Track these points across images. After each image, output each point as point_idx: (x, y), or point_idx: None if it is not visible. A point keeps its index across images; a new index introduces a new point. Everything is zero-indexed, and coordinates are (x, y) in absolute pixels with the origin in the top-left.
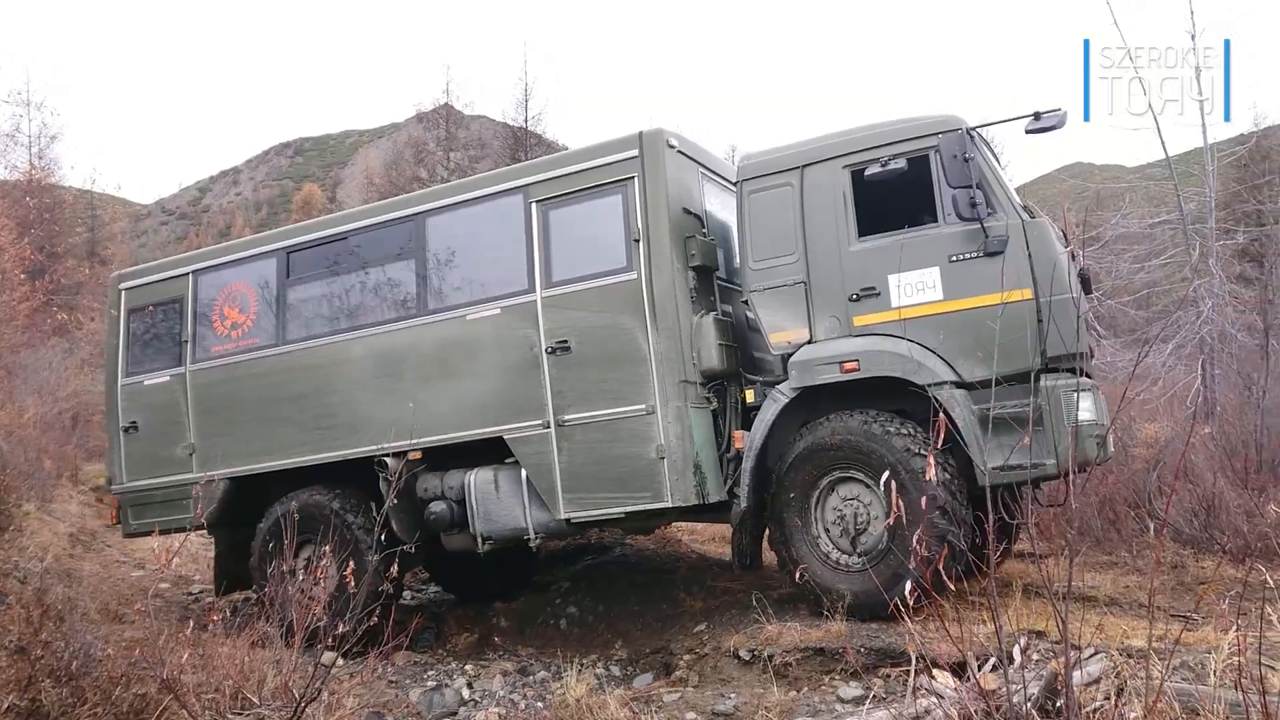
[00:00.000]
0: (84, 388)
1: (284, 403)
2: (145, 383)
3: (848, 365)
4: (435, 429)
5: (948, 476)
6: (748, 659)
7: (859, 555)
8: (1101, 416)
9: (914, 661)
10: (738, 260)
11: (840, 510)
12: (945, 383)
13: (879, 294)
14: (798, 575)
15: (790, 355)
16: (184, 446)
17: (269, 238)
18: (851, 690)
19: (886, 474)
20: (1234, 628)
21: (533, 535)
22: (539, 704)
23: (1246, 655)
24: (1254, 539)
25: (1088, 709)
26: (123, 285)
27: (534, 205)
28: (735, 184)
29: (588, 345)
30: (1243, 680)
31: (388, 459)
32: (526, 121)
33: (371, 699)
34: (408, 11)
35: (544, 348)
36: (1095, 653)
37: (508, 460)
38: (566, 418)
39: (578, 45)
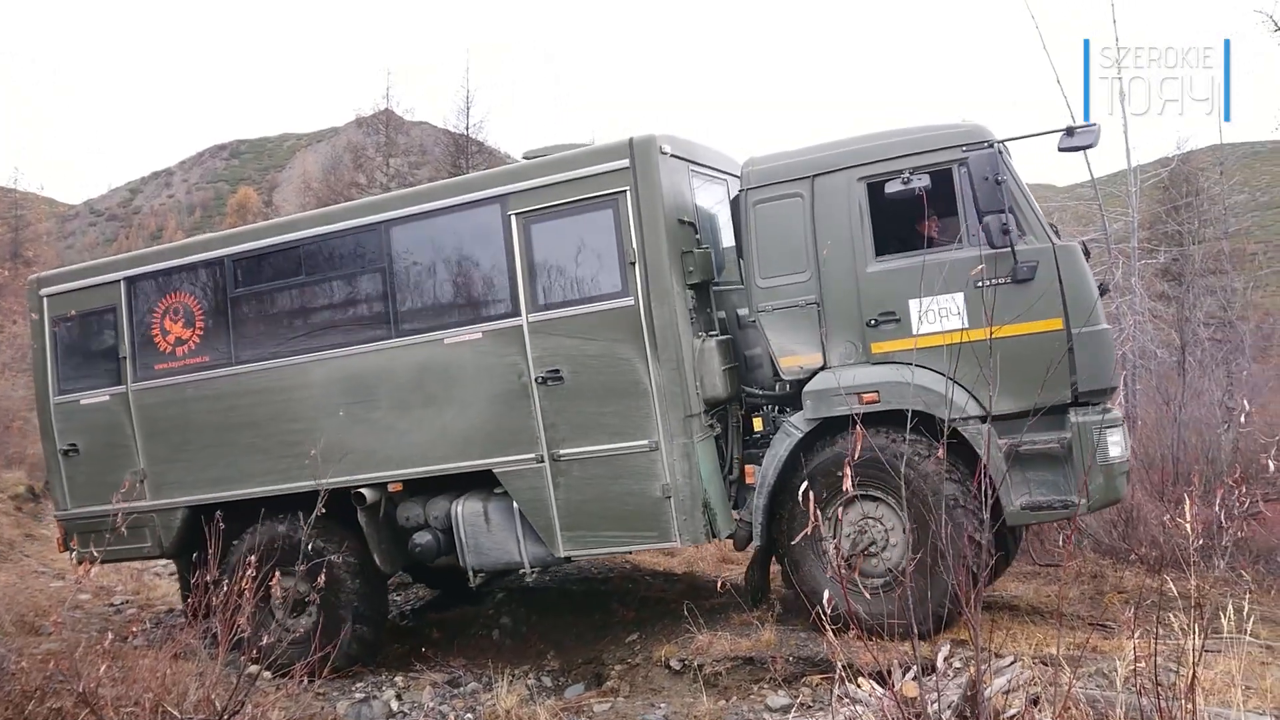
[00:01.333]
0: (3, 393)
1: (243, 429)
2: (82, 402)
3: (867, 396)
4: (416, 460)
5: (973, 504)
6: (679, 669)
7: (875, 576)
8: (1127, 451)
9: (838, 670)
10: (724, 256)
11: (856, 528)
12: (970, 417)
13: (899, 320)
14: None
15: (800, 381)
16: (133, 472)
17: (209, 243)
18: (779, 699)
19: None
20: (1136, 635)
21: (528, 569)
22: (469, 715)
23: (1148, 661)
24: (1168, 550)
25: (1003, 715)
26: (44, 291)
27: (514, 218)
28: (739, 191)
29: (582, 376)
30: (1144, 684)
31: (364, 491)
32: (468, 129)
33: (298, 712)
34: (348, 14)
35: (534, 377)
36: (1012, 661)
37: (497, 490)
38: (562, 452)
39: (576, 45)
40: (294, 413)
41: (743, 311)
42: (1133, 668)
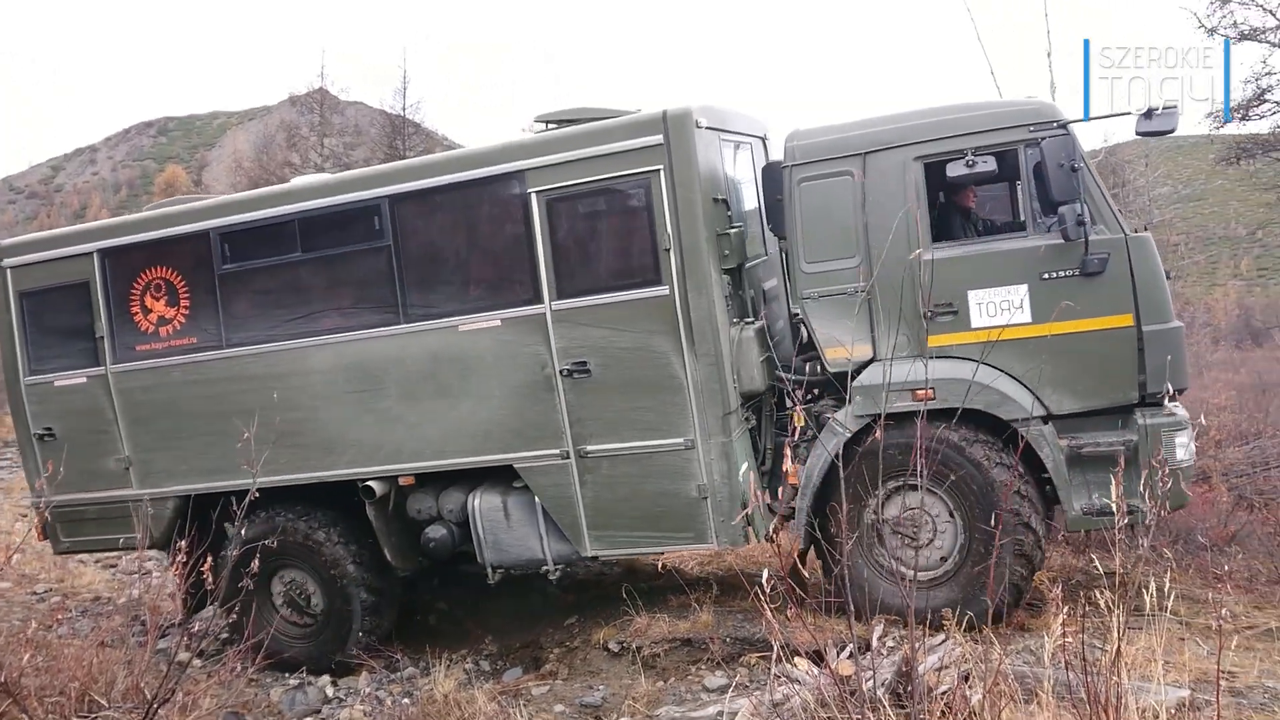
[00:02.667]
0: None
1: (237, 416)
2: (57, 383)
3: (921, 393)
4: (429, 453)
5: (1030, 493)
6: (617, 651)
7: (925, 569)
8: (1193, 455)
9: (775, 650)
10: (747, 224)
11: (903, 519)
12: (1033, 417)
13: (957, 312)
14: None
15: (847, 373)
16: (117, 459)
17: (193, 213)
18: (717, 680)
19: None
20: (1063, 613)
21: (552, 567)
22: (406, 700)
23: (1075, 637)
24: (1094, 530)
25: (935, 691)
26: (7, 262)
27: (535, 195)
28: (783, 167)
29: (611, 369)
30: (1071, 660)
31: (373, 484)
32: (405, 110)
33: (230, 699)
34: None
35: (558, 369)
36: (944, 639)
37: (516, 484)
38: (589, 448)
39: (576, 45)
40: (292, 401)
41: (769, 284)
42: (1060, 644)
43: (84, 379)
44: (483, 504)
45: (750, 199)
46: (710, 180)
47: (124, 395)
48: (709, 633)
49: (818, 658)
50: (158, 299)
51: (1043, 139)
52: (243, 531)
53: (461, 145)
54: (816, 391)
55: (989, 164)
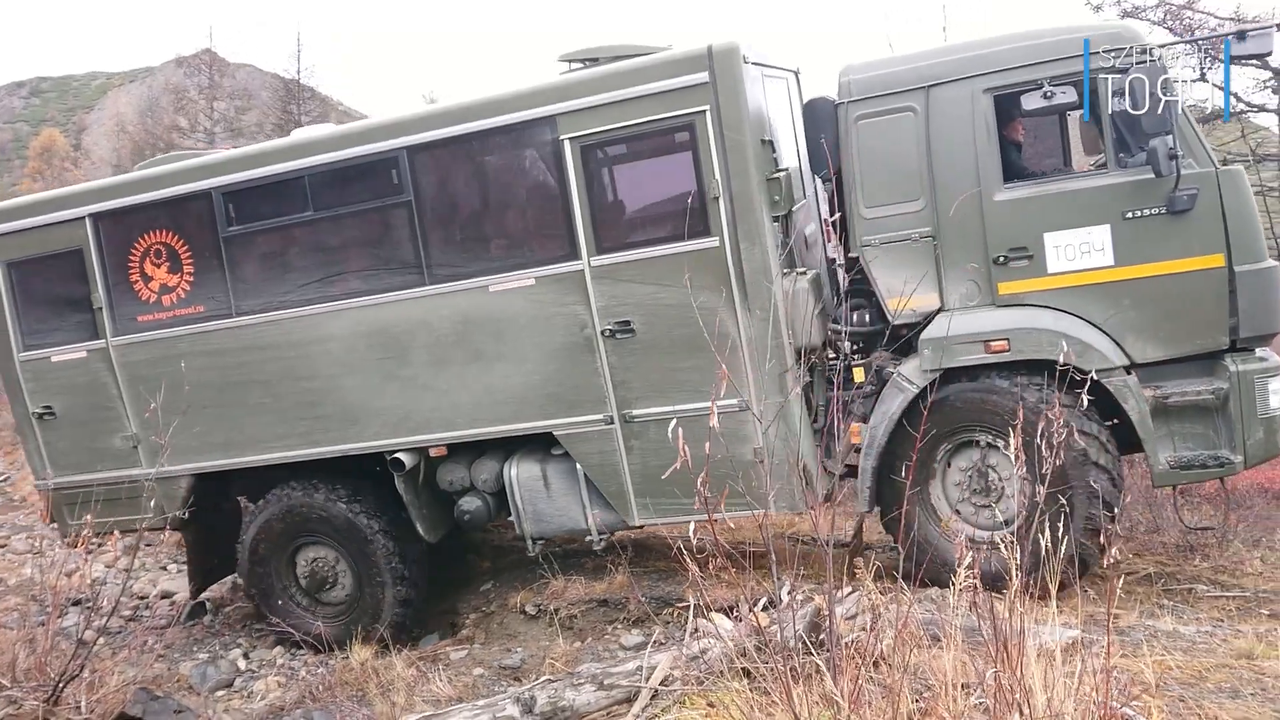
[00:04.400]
0: None
1: (251, 387)
2: (54, 359)
3: (995, 345)
4: (461, 421)
5: (1108, 458)
6: (534, 614)
7: (988, 528)
8: None
9: (692, 605)
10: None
11: (967, 475)
12: (1115, 368)
13: (1031, 256)
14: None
15: (913, 326)
16: (124, 437)
17: (190, 172)
18: (634, 638)
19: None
20: (969, 561)
21: (596, 536)
22: (322, 670)
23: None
24: None
25: (847, 639)
26: None
27: (568, 143)
28: (837, 103)
29: (657, 327)
30: (975, 605)
31: (401, 456)
32: (299, 73)
33: (139, 675)
34: None
35: (599, 329)
36: (853, 591)
37: (554, 451)
38: (635, 413)
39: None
40: (310, 369)
41: (809, 230)
42: (964, 590)
43: (83, 353)
44: (520, 473)
45: (786, 138)
46: (758, 121)
47: (127, 369)
48: (625, 593)
49: (731, 613)
50: (159, 265)
51: (1134, 65)
52: (263, 508)
53: (363, 114)
54: (861, 344)
55: (1068, 95)
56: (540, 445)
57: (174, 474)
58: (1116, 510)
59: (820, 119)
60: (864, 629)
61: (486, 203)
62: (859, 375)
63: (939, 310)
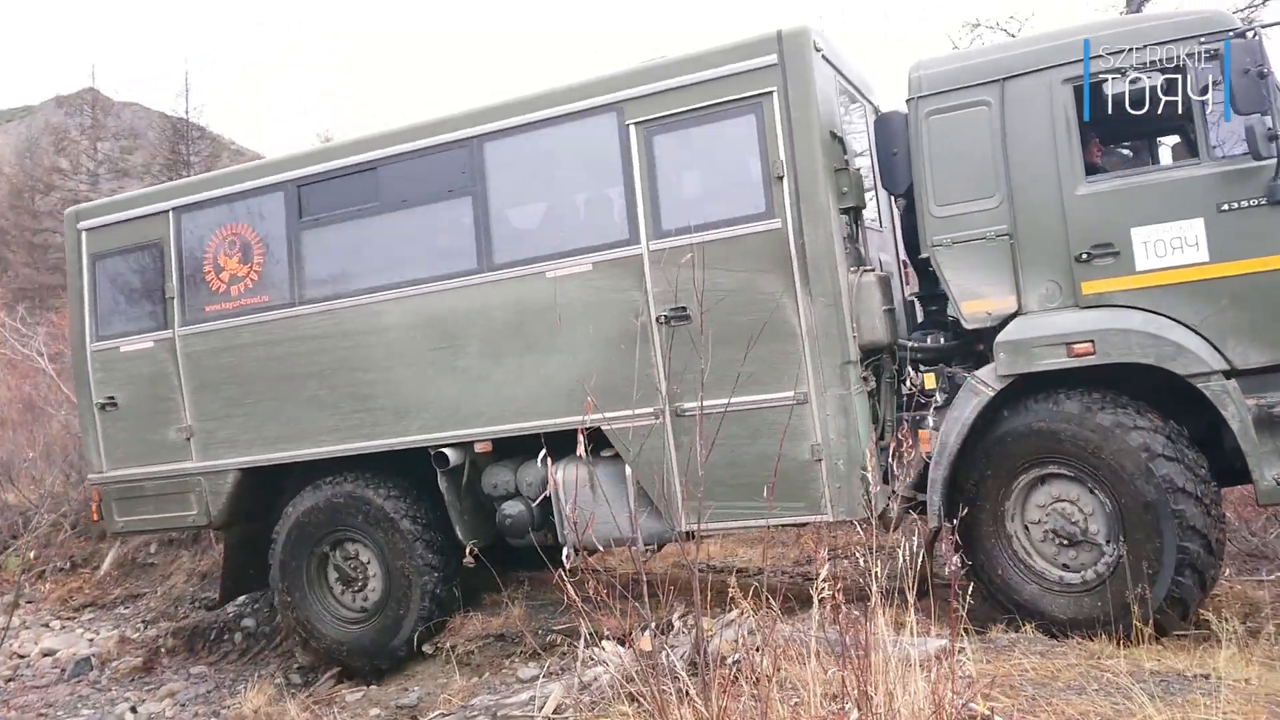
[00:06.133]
0: None
1: (306, 379)
2: (123, 349)
3: (1079, 348)
4: (509, 416)
5: (1183, 454)
6: (431, 652)
7: (1074, 570)
8: None
9: (583, 635)
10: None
11: (1049, 515)
12: (1213, 372)
13: (1118, 253)
14: (996, 594)
15: (989, 329)
16: (179, 429)
17: (271, 166)
18: (530, 670)
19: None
20: (828, 575)
21: (642, 547)
22: (214, 718)
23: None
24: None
25: (729, 660)
26: (82, 225)
27: (633, 128)
28: (908, 99)
29: (714, 314)
30: (835, 619)
31: (447, 451)
32: (188, 113)
33: None
34: None
35: (654, 316)
36: (738, 613)
37: (605, 454)
38: (687, 406)
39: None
40: (365, 360)
41: (883, 257)
42: (827, 605)
43: (150, 343)
44: (567, 476)
45: (862, 162)
46: (828, 111)
47: (190, 359)
48: (521, 626)
49: (624, 641)
50: (231, 256)
51: (1227, 41)
52: (299, 506)
53: (257, 153)
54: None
55: (1153, 79)
56: (592, 449)
57: (222, 468)
58: (1214, 545)
59: (892, 133)
60: (754, 649)
61: (550, 188)
62: (930, 382)
63: (1016, 313)
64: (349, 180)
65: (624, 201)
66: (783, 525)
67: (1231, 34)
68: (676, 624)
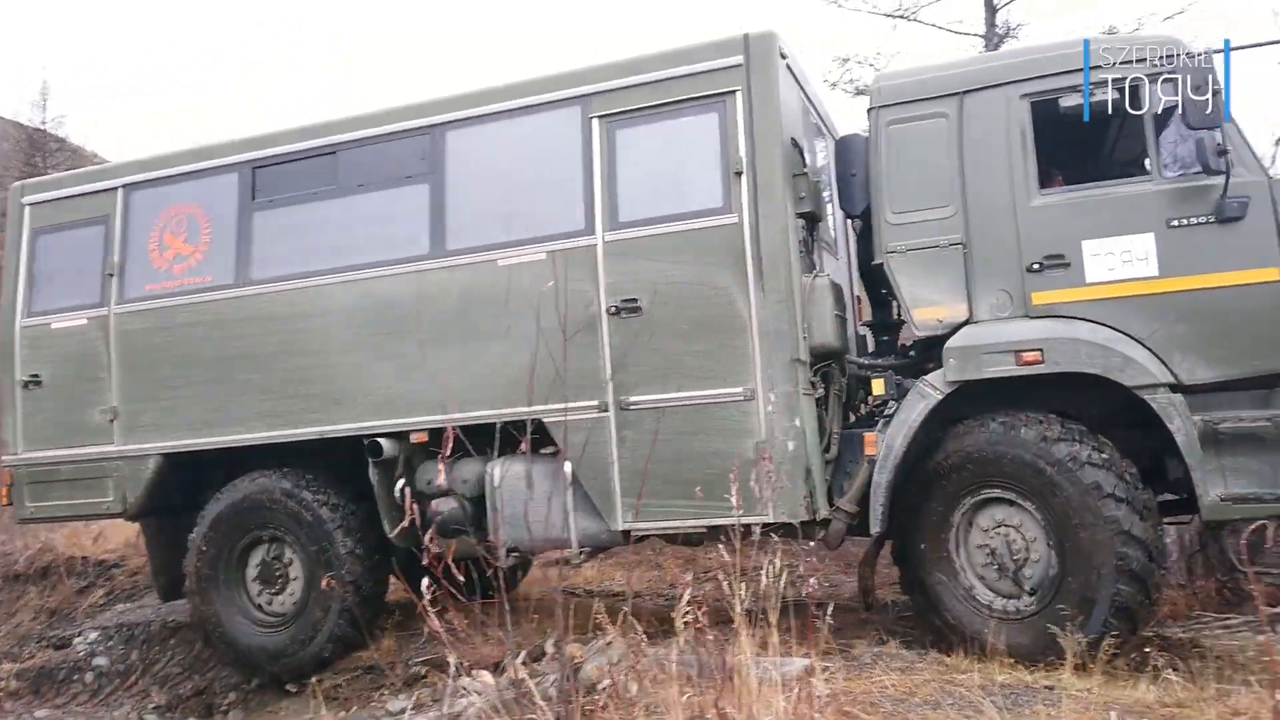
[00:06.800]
0: None
1: (242, 361)
2: (54, 325)
3: (1028, 355)
4: (450, 405)
5: (1134, 495)
6: (295, 690)
7: (1027, 594)
8: None
9: (451, 666)
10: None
11: (991, 538)
12: (1160, 385)
13: (1069, 265)
14: (935, 618)
15: (939, 337)
16: (103, 410)
17: (229, 147)
18: (400, 702)
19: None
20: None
21: (576, 550)
22: None
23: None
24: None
25: (599, 685)
26: (27, 199)
27: (596, 121)
28: (868, 109)
29: (665, 306)
30: (698, 641)
31: (381, 441)
32: (45, 123)
33: None
34: None
35: (605, 306)
36: (609, 640)
37: (545, 450)
38: (632, 399)
39: None
40: (307, 344)
41: (840, 278)
42: (687, 628)
43: (84, 320)
44: (504, 472)
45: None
46: (790, 116)
47: (124, 338)
48: (391, 658)
49: (495, 669)
50: (177, 235)
51: (1180, 61)
52: (223, 498)
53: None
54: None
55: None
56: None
57: (143, 453)
58: (1152, 588)
59: (852, 154)
60: (622, 674)
61: (509, 177)
62: (878, 388)
63: (967, 321)
64: (307, 163)
65: (582, 193)
66: (719, 525)
67: (1186, 55)
68: (550, 650)
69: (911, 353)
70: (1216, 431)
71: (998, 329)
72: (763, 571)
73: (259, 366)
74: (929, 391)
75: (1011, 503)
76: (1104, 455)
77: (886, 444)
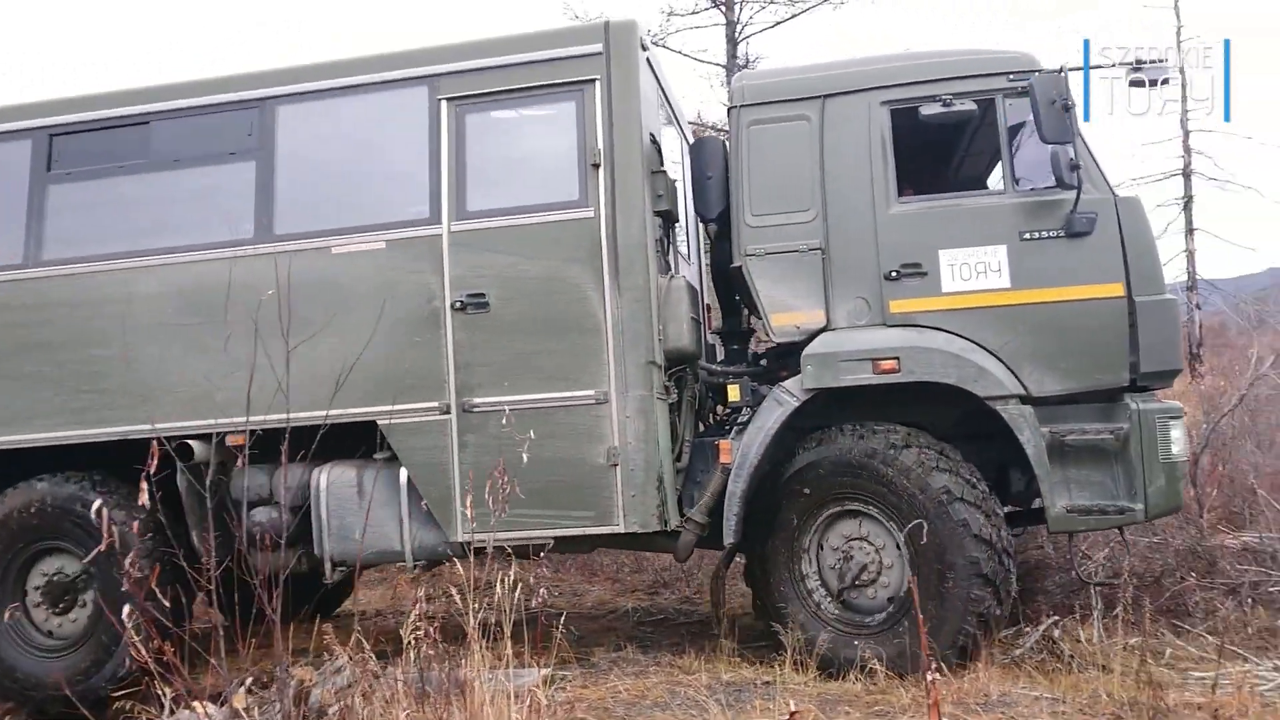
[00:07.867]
0: None
1: (30, 351)
2: None
3: (884, 364)
4: (274, 405)
5: (993, 528)
6: None
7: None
8: (1186, 450)
9: (168, 699)
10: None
11: (843, 553)
12: (1011, 396)
13: (926, 274)
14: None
15: (794, 345)
16: None
17: (22, 110)
18: None
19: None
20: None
21: (410, 562)
22: None
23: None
24: None
25: (330, 709)
26: None
27: (444, 104)
28: (729, 108)
29: (515, 302)
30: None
31: (192, 443)
32: None
33: None
34: None
35: (449, 301)
36: (347, 660)
37: (379, 456)
38: (476, 401)
39: None
40: (104, 334)
41: (694, 282)
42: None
43: None
44: (332, 480)
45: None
46: (650, 110)
47: None
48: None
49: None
50: None
51: (1034, 76)
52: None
53: None
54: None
55: (966, 106)
56: (361, 449)
57: None
58: (1002, 592)
59: (709, 157)
60: (355, 696)
61: (345, 157)
62: (734, 394)
63: (825, 328)
64: (114, 133)
65: (428, 179)
66: (570, 536)
67: (1040, 71)
68: (280, 674)
69: (763, 361)
70: (1063, 444)
71: (855, 336)
72: (496, 584)
73: (49, 358)
74: (785, 398)
75: (862, 514)
76: (951, 461)
77: (742, 451)
